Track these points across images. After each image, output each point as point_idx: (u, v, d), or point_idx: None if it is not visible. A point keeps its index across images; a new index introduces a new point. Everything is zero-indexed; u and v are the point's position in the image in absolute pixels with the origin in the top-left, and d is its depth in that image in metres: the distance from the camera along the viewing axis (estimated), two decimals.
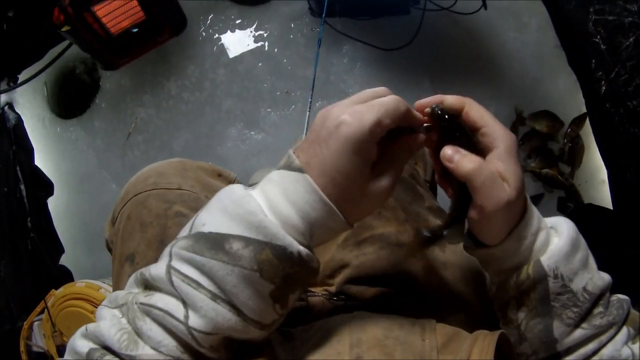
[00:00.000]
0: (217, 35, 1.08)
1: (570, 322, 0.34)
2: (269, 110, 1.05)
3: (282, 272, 0.30)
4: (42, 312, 0.95)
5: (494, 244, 0.35)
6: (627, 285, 0.42)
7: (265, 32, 1.07)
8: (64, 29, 0.94)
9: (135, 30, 1.02)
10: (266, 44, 1.07)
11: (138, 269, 0.37)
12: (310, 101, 0.71)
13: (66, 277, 1.12)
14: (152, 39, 1.06)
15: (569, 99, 1.11)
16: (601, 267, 0.37)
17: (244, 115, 1.05)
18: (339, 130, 0.30)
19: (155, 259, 0.37)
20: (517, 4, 1.13)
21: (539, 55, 1.11)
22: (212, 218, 0.31)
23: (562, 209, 1.07)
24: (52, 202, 1.16)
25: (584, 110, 1.09)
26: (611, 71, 1.04)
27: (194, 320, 0.29)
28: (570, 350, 0.35)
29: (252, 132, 1.05)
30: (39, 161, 1.16)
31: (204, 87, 1.07)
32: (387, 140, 0.32)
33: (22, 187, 1.13)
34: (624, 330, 0.35)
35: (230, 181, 0.55)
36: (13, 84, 1.15)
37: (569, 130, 1.11)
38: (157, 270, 0.31)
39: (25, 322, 0.97)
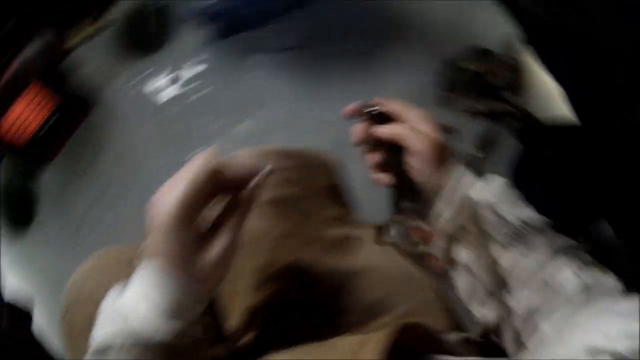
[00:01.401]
0: (135, 91, 1.07)
1: (507, 245, 0.37)
2: (197, 149, 1.02)
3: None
4: None
5: (433, 180, 0.39)
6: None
7: (176, 74, 1.06)
8: None
9: (53, 118, 1.02)
10: (178, 85, 1.06)
11: None
12: None
13: None
14: (71, 123, 1.05)
15: (493, 27, 1.06)
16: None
17: (176, 165, 1.02)
18: (158, 217, 0.32)
19: None
20: None
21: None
22: (98, 328, 0.34)
23: (524, 140, 1.00)
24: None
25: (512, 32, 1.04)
26: None
27: None
28: (510, 270, 0.37)
29: None
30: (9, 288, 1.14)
31: (134, 145, 1.05)
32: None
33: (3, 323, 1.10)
34: (569, 257, 0.36)
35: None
36: None
37: (504, 58, 1.05)
38: None
39: None
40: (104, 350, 0.32)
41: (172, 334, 0.32)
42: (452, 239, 0.39)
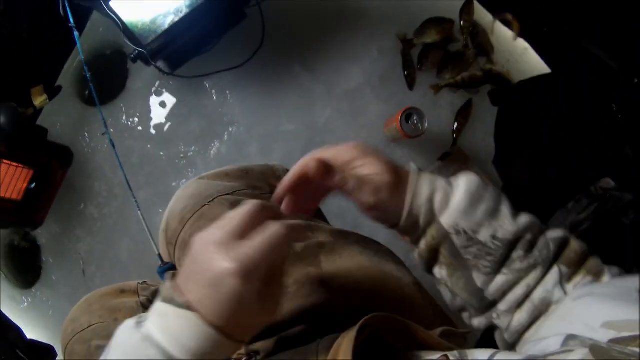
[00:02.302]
0: (101, 142, 1.09)
1: (487, 270, 0.35)
2: (178, 180, 1.04)
3: None
4: None
5: (397, 222, 0.37)
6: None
7: (138, 114, 1.07)
8: None
9: (33, 185, 1.04)
10: (145, 123, 1.06)
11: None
12: (135, 201, 0.73)
13: None
14: (50, 183, 1.08)
15: None
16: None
17: (161, 198, 1.04)
18: (227, 280, 0.28)
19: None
20: None
21: None
22: None
23: (496, 101, 0.98)
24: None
25: None
26: None
27: None
28: (499, 297, 0.35)
29: None
30: (30, 334, 1.20)
31: (115, 193, 1.07)
32: None
33: None
34: (554, 270, 0.34)
35: (134, 292, 0.58)
36: None
37: (462, 23, 1.02)
38: None
39: None
40: None
41: None
42: (432, 259, 0.37)
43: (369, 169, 0.36)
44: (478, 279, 0.35)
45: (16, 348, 1.16)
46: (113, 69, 1.11)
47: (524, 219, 0.36)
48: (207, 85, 1.03)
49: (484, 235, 0.34)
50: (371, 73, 1.01)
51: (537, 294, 0.34)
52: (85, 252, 1.12)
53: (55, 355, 1.23)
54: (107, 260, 1.10)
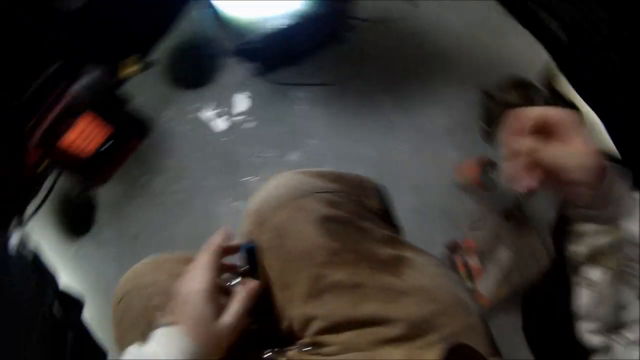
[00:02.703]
0: (182, 123, 1.13)
1: (637, 292, 0.35)
2: (251, 176, 1.09)
3: None
4: None
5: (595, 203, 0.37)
6: None
7: (224, 107, 1.11)
8: (42, 166, 1.01)
9: (108, 144, 1.08)
10: (228, 116, 1.11)
11: None
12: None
13: None
14: (124, 148, 1.12)
15: (528, 54, 1.08)
16: None
17: (230, 189, 1.10)
18: (188, 295, 0.44)
19: None
20: None
21: (482, 26, 1.09)
22: None
23: None
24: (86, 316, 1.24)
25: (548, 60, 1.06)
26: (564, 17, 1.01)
27: None
28: (634, 323, 0.36)
29: (243, 202, 1.09)
30: (62, 284, 1.25)
31: (184, 175, 1.12)
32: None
33: (56, 309, 1.22)
34: None
35: None
36: (21, 222, 1.25)
37: (544, 91, 1.08)
38: None
39: None
40: None
41: None
42: (589, 259, 0.39)
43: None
44: (627, 296, 0.36)
45: (47, 293, 1.21)
46: (205, 59, 1.15)
47: None
48: (297, 95, 1.08)
49: None
50: (453, 118, 1.07)
51: None
52: (140, 221, 1.16)
53: (82, 308, 1.28)
54: (160, 235, 1.15)
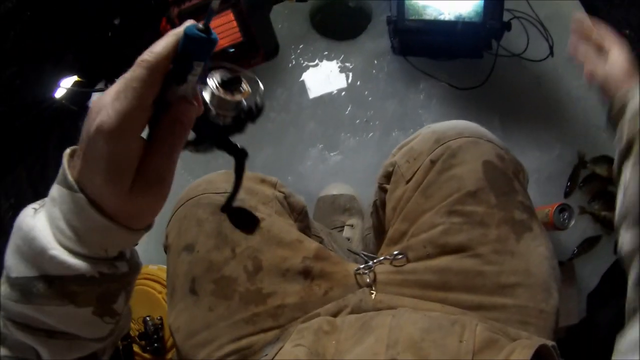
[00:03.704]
0: (305, 63, 1.18)
1: None
2: (349, 135, 1.14)
3: (92, 294, 0.31)
4: None
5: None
6: None
7: (350, 65, 1.17)
8: None
9: (232, 50, 1.12)
10: (350, 75, 1.17)
11: (198, 257, 0.49)
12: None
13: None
14: (246, 60, 1.16)
15: None
16: None
17: (325, 138, 1.14)
18: (96, 140, 0.27)
19: (214, 247, 0.51)
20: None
21: (602, 104, 1.18)
22: (14, 262, 0.31)
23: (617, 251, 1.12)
24: None
25: None
26: None
27: (46, 358, 0.32)
28: None
29: (332, 154, 1.13)
30: None
31: (289, 109, 1.16)
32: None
33: None
34: None
35: (273, 185, 0.61)
36: (111, 85, 1.26)
37: None
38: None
39: None
40: (26, 285, 0.30)
41: (106, 268, 0.31)
42: (623, 155, 0.46)
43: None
44: None
45: None
46: (351, 18, 1.22)
47: None
48: (421, 85, 1.15)
49: None
50: (544, 165, 1.14)
51: None
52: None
53: None
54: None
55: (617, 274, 1.10)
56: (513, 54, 1.15)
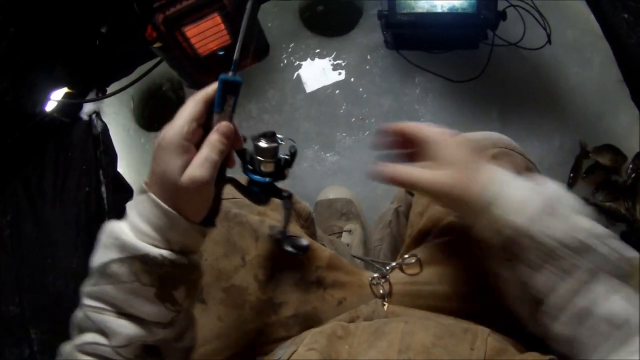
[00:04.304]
0: (297, 62, 1.16)
1: (550, 275, 0.35)
2: (344, 134, 1.12)
3: (155, 274, 0.37)
4: None
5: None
6: None
7: (343, 62, 1.15)
8: (156, 45, 1.02)
9: (221, 52, 1.10)
10: (343, 72, 1.14)
11: (206, 264, 0.49)
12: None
13: None
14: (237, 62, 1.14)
15: (632, 133, 1.14)
16: None
17: (320, 138, 1.12)
18: (157, 144, 0.37)
19: (223, 255, 0.50)
20: (581, 39, 1.17)
21: (602, 90, 1.15)
22: (97, 255, 0.38)
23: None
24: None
25: None
26: None
27: (114, 341, 0.36)
28: (558, 305, 0.36)
29: (328, 154, 1.12)
30: (122, 168, 1.25)
31: (283, 110, 1.15)
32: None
33: (104, 189, 1.22)
34: (623, 287, 0.34)
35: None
36: (102, 94, 1.25)
37: (631, 165, 1.14)
38: (77, 313, 0.39)
39: None
40: (102, 268, 0.36)
41: (167, 253, 0.37)
42: (497, 257, 0.40)
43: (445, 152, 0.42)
44: (539, 280, 0.36)
45: (102, 170, 1.22)
46: (342, 13, 1.19)
47: (596, 228, 0.36)
48: (417, 79, 1.12)
49: (552, 240, 0.35)
50: (544, 157, 1.11)
51: (580, 303, 0.34)
52: None
53: (131, 198, 1.28)
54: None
55: None
56: (509, 43, 1.12)
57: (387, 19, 1.02)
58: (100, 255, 0.38)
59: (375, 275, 0.53)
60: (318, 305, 0.51)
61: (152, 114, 1.27)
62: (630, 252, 0.36)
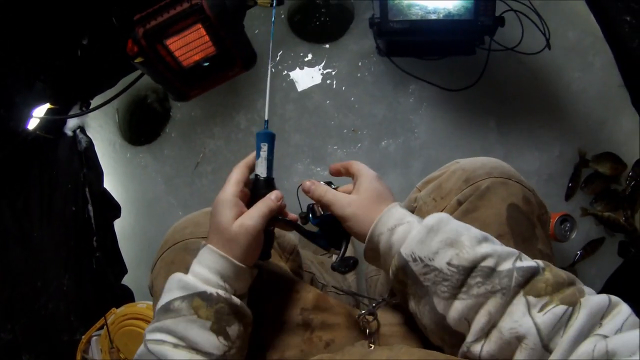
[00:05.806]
0: (286, 71, 1.12)
1: (445, 295, 0.39)
2: (336, 147, 1.08)
3: (212, 309, 0.42)
4: (101, 327, 0.99)
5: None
6: None
7: (334, 70, 1.10)
8: (137, 60, 0.98)
9: (206, 64, 1.06)
10: (334, 81, 1.10)
11: None
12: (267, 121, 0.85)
13: (127, 296, 1.16)
14: (222, 72, 1.10)
15: (633, 140, 1.10)
16: None
17: (311, 151, 1.09)
18: (214, 204, 0.47)
19: None
20: (581, 43, 1.13)
21: (603, 96, 1.11)
22: (161, 299, 0.44)
23: (623, 254, 1.07)
24: (118, 224, 1.22)
25: None
26: None
27: None
28: (464, 327, 0.38)
29: (319, 168, 1.08)
30: (108, 184, 1.22)
31: (272, 121, 1.11)
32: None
33: (90, 207, 1.19)
34: (520, 299, 0.36)
35: None
36: (85, 108, 1.21)
37: (630, 173, 1.10)
38: (140, 348, 0.43)
39: (83, 336, 1.01)
40: (167, 305, 0.42)
41: (222, 292, 0.43)
42: (401, 292, 0.44)
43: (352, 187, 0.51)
44: (438, 304, 0.39)
45: (88, 187, 1.18)
46: (333, 19, 1.15)
47: (486, 247, 0.38)
48: (411, 88, 1.08)
49: (439, 262, 0.39)
50: (544, 166, 1.08)
51: (505, 324, 0.36)
52: (210, 150, 1.15)
53: (119, 215, 1.25)
54: (225, 169, 1.14)
55: (621, 277, 1.06)
56: (507, 48, 1.07)
57: (379, 26, 0.97)
58: (164, 297, 0.43)
59: (363, 312, 0.52)
60: (305, 348, 0.50)
61: (138, 127, 1.23)
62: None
